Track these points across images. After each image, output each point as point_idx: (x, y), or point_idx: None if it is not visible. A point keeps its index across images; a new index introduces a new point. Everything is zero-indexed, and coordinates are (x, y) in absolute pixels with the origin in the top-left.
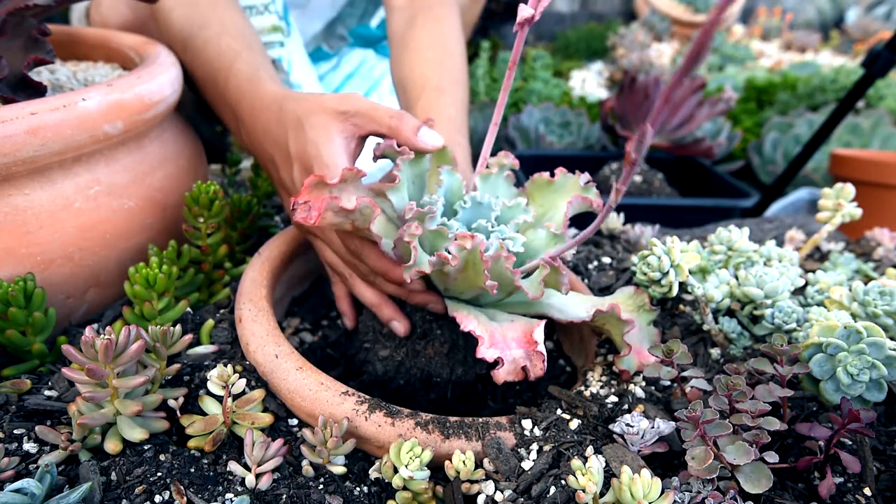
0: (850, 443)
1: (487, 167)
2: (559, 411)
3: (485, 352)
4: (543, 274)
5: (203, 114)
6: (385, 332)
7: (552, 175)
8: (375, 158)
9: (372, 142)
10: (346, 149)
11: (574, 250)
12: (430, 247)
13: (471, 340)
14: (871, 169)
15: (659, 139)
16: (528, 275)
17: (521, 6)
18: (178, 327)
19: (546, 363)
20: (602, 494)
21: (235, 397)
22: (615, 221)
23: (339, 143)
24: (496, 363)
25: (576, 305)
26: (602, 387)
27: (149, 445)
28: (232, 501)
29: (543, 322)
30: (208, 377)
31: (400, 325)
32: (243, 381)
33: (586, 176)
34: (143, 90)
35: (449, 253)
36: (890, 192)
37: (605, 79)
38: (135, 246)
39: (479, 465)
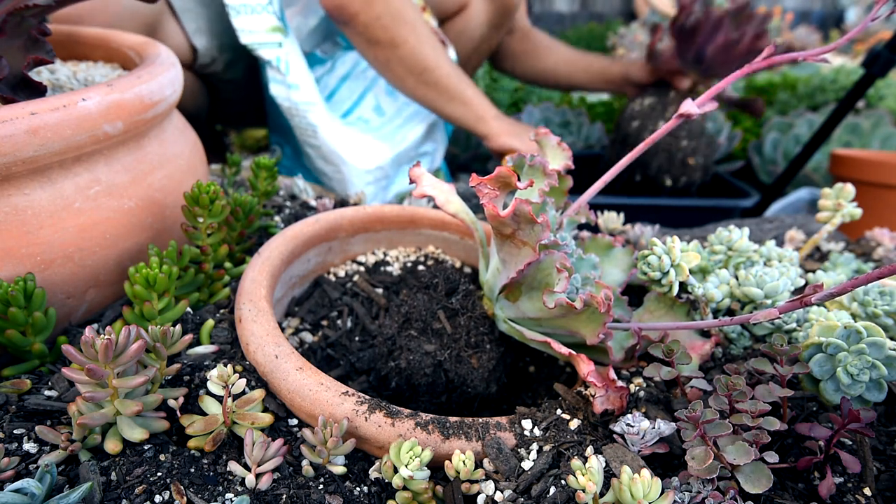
0: (850, 443)
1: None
2: (559, 411)
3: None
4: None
5: (212, 114)
6: (437, 328)
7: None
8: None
9: (376, 147)
10: None
11: None
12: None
13: (512, 362)
14: (871, 169)
15: None
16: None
17: None
18: (178, 327)
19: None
20: (602, 494)
21: (235, 397)
22: (615, 221)
23: None
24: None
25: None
26: None
27: (149, 445)
28: (232, 501)
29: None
30: (208, 377)
31: None
32: (243, 381)
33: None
34: (143, 90)
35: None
36: (890, 192)
37: None
38: (135, 246)
39: (479, 465)
